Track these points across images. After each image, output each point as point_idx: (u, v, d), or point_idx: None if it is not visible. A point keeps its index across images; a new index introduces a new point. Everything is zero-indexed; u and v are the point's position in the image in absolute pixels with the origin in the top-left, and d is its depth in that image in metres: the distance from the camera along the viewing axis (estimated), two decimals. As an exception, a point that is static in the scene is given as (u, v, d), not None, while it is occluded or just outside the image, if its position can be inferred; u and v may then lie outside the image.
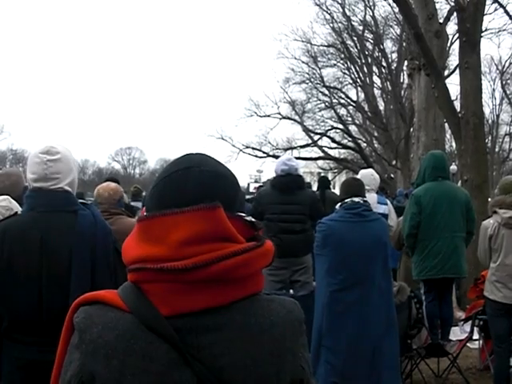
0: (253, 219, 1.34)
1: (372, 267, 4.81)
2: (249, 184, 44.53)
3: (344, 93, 37.55)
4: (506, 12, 21.24)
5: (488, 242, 5.60)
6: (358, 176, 7.05)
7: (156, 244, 1.24)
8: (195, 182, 1.29)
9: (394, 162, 30.03)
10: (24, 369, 2.71)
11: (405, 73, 29.05)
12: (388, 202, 7.67)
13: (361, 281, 4.77)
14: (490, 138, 39.95)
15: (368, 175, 7.11)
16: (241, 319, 1.26)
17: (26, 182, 5.29)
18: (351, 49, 34.88)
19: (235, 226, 1.27)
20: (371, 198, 6.48)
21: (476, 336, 6.64)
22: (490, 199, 9.35)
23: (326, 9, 33.75)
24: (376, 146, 36.28)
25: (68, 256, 2.76)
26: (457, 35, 21.36)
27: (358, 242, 4.79)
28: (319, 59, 36.78)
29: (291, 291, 6.58)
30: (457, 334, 6.83)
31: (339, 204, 5.06)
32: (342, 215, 4.94)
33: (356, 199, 4.92)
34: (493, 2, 21.10)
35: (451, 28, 21.34)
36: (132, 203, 9.88)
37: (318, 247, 4.98)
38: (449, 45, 22.26)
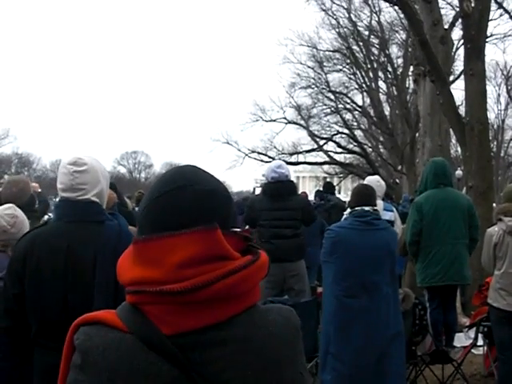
0: (245, 234, 1.35)
1: (379, 275, 4.80)
2: (254, 188, 44.52)
3: (350, 98, 37.60)
4: (511, 18, 21.26)
5: (493, 249, 5.58)
6: (365, 182, 7.06)
7: (153, 267, 1.24)
8: (189, 202, 1.28)
9: (399, 167, 29.98)
10: (49, 373, 2.75)
11: (410, 78, 29.07)
12: (394, 208, 7.68)
13: (368, 288, 4.77)
14: (495, 143, 39.92)
15: (374, 182, 7.12)
16: (242, 332, 1.27)
17: (32, 189, 5.35)
18: (357, 54, 34.89)
19: (230, 242, 1.27)
20: (377, 204, 6.50)
21: (480, 342, 6.63)
22: (494, 205, 9.36)
23: (331, 14, 33.81)
24: (381, 150, 36.26)
25: (92, 265, 2.80)
26: (462, 41, 21.40)
27: (365, 249, 4.79)
28: (325, 64, 36.84)
29: (286, 297, 6.60)
30: (461, 340, 6.81)
31: (349, 211, 5.08)
32: (350, 222, 4.95)
33: (366, 208, 4.92)
34: (498, 8, 21.10)
35: (456, 33, 21.33)
36: (137, 208, 9.84)
37: (325, 254, 4.98)
38: (454, 50, 22.24)
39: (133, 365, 1.21)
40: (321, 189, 13.57)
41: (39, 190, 5.24)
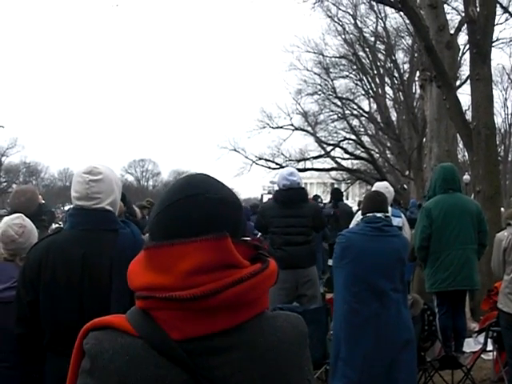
0: (255, 242, 1.37)
1: (389, 282, 4.79)
2: (262, 195, 44.48)
3: (356, 104, 37.60)
4: (517, 22, 21.26)
5: (502, 254, 5.59)
6: (373, 189, 7.06)
7: (163, 273, 1.26)
8: (201, 210, 1.30)
9: (407, 173, 29.92)
10: (62, 380, 2.76)
11: (417, 83, 29.04)
12: (402, 214, 7.67)
13: (378, 295, 4.75)
14: (502, 147, 39.78)
15: (383, 188, 7.09)
16: (249, 338, 1.28)
17: (40, 199, 5.37)
18: (363, 60, 34.92)
19: (239, 250, 1.28)
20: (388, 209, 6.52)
21: (490, 347, 6.60)
22: (502, 210, 9.34)
23: (337, 20, 33.89)
24: (389, 156, 36.22)
25: (108, 273, 2.82)
26: (468, 46, 21.39)
27: (376, 255, 4.78)
28: (331, 70, 36.89)
29: (295, 303, 6.60)
30: (471, 345, 6.79)
31: (361, 218, 5.08)
32: (362, 228, 4.95)
33: (378, 214, 4.92)
34: (503, 13, 21.09)
35: (462, 38, 21.31)
36: (147, 217, 9.85)
37: (336, 259, 4.97)
38: (460, 55, 22.22)
39: (142, 369, 1.23)
40: (318, 194, 13.68)
41: (43, 201, 5.26)
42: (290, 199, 6.83)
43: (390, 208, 7.13)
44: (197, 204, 1.31)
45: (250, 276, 1.25)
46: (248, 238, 1.37)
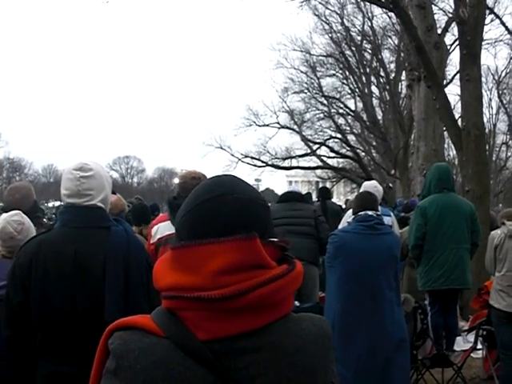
0: (282, 243, 1.36)
1: (382, 280, 4.83)
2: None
3: (343, 102, 37.59)
4: (502, 23, 21.51)
5: (493, 251, 5.70)
6: (362, 188, 7.11)
7: (191, 273, 1.25)
8: (229, 210, 1.30)
9: (392, 172, 29.96)
10: (56, 382, 2.73)
11: (403, 83, 29.13)
12: (391, 213, 7.70)
13: (371, 293, 4.78)
14: (487, 147, 39.99)
15: (371, 187, 7.13)
16: (276, 340, 1.28)
17: (35, 196, 5.33)
18: (350, 59, 34.90)
19: (267, 251, 1.28)
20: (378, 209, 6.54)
21: (480, 346, 6.67)
22: (491, 210, 9.43)
23: (324, 19, 33.78)
24: (374, 155, 36.27)
25: (101, 271, 2.79)
26: (455, 45, 21.53)
27: (369, 253, 4.81)
28: (318, 69, 36.82)
29: (296, 303, 6.59)
30: (460, 344, 6.84)
31: (352, 216, 5.11)
32: (354, 227, 4.98)
33: (369, 212, 4.95)
34: (489, 13, 21.20)
35: (449, 38, 21.47)
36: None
37: (329, 258, 5.00)
38: (447, 55, 22.34)
39: (168, 369, 1.22)
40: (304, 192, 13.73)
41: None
42: (292, 195, 7.43)
43: (379, 207, 7.19)
44: (226, 204, 1.30)
45: (278, 277, 1.26)
46: (275, 239, 1.35)
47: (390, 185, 30.51)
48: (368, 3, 24.33)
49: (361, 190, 6.73)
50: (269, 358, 1.26)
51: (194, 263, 1.25)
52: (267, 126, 37.22)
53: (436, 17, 16.76)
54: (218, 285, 1.22)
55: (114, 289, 2.79)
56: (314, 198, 16.82)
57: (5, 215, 3.87)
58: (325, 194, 12.54)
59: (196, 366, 1.22)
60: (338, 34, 34.14)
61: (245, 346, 1.25)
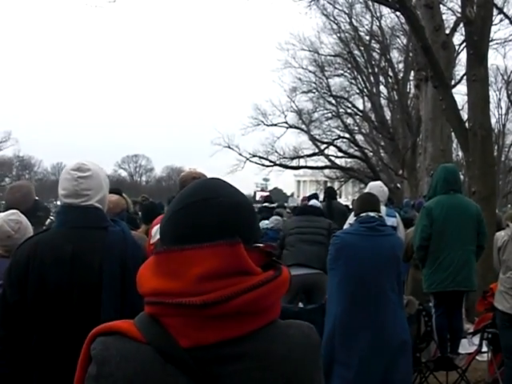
0: (268, 249, 1.33)
1: (385, 282, 4.78)
2: (255, 192, 44.52)
3: (351, 102, 37.64)
4: None
5: (497, 253, 5.65)
6: (367, 188, 7.07)
7: (174, 278, 1.23)
8: (213, 214, 1.27)
9: (400, 172, 29.94)
10: (52, 382, 2.72)
11: (411, 82, 29.09)
12: (397, 214, 7.65)
13: (374, 295, 4.74)
14: (495, 147, 39.87)
15: (377, 187, 7.08)
16: (260, 348, 1.25)
17: (35, 195, 5.32)
18: (358, 58, 34.92)
19: (252, 257, 1.26)
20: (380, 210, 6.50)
21: (485, 349, 6.61)
22: (497, 211, 9.37)
23: (333, 19, 33.82)
24: (382, 155, 36.24)
25: (98, 272, 2.77)
26: (463, 45, 21.43)
27: (371, 255, 4.77)
28: (326, 69, 36.87)
29: (300, 304, 6.56)
30: (465, 346, 6.78)
31: (354, 218, 5.07)
32: (356, 228, 4.94)
33: (371, 214, 4.91)
34: (498, 13, 21.12)
35: (457, 38, 21.38)
36: (139, 213, 9.82)
37: (330, 260, 4.96)
38: (455, 55, 22.26)
39: (149, 376, 1.21)
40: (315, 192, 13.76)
41: (37, 198, 5.20)
42: (307, 210, 7.85)
43: (384, 208, 7.14)
44: (210, 208, 1.28)
45: (263, 283, 1.23)
46: (261, 245, 1.33)
47: (398, 185, 30.52)
48: (377, 3, 24.24)
49: (365, 191, 6.70)
50: (253, 366, 1.24)
51: (177, 269, 1.23)
52: (275, 125, 37.32)
53: (444, 17, 16.77)
54: (200, 291, 1.20)
55: (111, 289, 2.78)
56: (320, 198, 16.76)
57: (2, 214, 3.87)
58: (331, 194, 12.51)
59: (177, 374, 1.20)
60: (347, 34, 34.18)
61: (228, 354, 1.23)
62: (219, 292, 1.19)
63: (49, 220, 7.62)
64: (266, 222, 9.34)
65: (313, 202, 8.27)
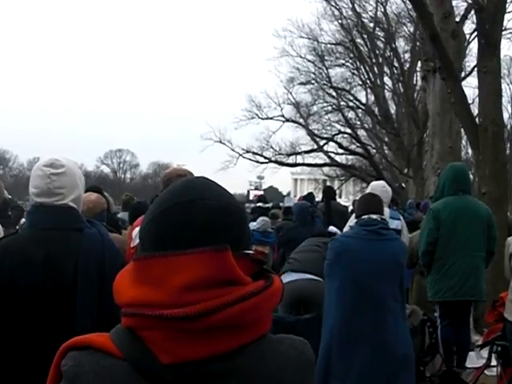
0: (258, 257, 1.32)
1: (386, 289, 4.78)
2: (249, 191, 44.55)
3: (352, 95, 37.61)
4: (527, 10, 21.25)
5: (509, 259, 5.64)
6: (369, 188, 7.06)
7: (154, 288, 1.20)
8: (199, 218, 1.24)
9: (405, 170, 30.00)
10: None
11: (418, 74, 29.10)
12: (401, 216, 7.64)
13: (374, 303, 4.73)
14: (508, 145, 39.96)
15: (380, 187, 7.07)
16: (248, 364, 1.23)
17: (6, 193, 5.29)
18: (361, 47, 34.87)
19: (241, 265, 1.23)
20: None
21: (494, 363, 6.60)
22: (509, 214, 9.36)
23: (334, 4, 33.73)
24: (386, 152, 36.29)
25: (73, 276, 2.74)
26: (474, 34, 21.43)
27: (372, 260, 4.76)
28: (326, 58, 36.83)
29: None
30: (473, 360, 6.78)
31: (355, 220, 5.06)
32: (356, 232, 4.93)
33: (373, 216, 4.90)
34: (512, 1, 21.11)
35: (468, 27, 21.35)
36: (121, 213, 9.77)
37: (329, 265, 4.94)
38: (466, 45, 22.26)
39: None
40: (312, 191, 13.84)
41: (9, 196, 5.15)
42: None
43: (387, 209, 7.12)
44: (195, 211, 1.25)
45: (252, 294, 1.20)
46: (251, 252, 1.31)
47: (403, 185, 30.52)
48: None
49: (367, 191, 6.69)
50: None
51: (158, 277, 1.20)
52: (271, 119, 37.34)
53: (454, 3, 16.69)
54: (182, 302, 1.17)
55: (87, 297, 2.76)
56: (318, 198, 16.73)
57: None
58: (329, 193, 12.48)
59: None
60: (349, 21, 34.08)
61: (213, 371, 1.20)
62: (204, 304, 1.16)
63: (23, 220, 7.61)
64: (254, 223, 9.32)
65: (331, 228, 8.16)
